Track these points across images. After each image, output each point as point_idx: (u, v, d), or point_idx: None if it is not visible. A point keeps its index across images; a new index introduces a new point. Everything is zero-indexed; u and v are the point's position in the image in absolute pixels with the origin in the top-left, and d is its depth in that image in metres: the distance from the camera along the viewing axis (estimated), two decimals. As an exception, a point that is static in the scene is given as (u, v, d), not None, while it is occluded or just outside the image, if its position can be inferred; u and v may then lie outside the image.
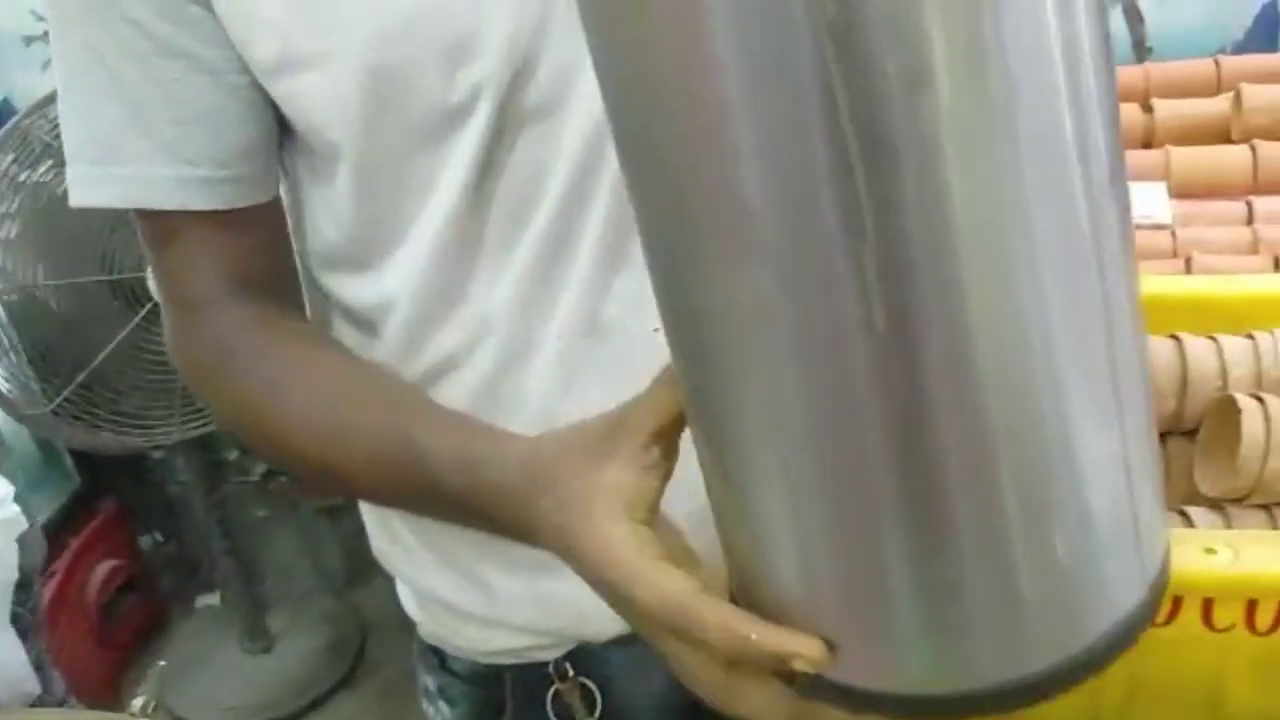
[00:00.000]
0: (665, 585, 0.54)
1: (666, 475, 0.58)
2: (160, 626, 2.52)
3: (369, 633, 2.57)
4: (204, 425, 1.98)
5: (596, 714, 0.92)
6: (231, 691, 2.00)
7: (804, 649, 0.48)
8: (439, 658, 0.96)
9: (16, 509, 1.16)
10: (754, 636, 0.50)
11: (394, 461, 0.68)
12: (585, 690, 0.91)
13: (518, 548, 0.74)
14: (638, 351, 0.72)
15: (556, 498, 0.60)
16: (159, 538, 2.61)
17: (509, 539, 0.66)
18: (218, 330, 0.76)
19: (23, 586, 1.35)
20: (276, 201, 0.78)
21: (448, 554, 0.85)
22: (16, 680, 1.14)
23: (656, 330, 0.50)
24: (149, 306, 1.79)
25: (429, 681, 0.99)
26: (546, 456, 0.62)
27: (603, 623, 0.86)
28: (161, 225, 0.76)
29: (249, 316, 0.76)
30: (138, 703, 2.17)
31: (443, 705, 0.98)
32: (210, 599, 2.52)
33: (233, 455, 2.39)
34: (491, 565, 0.85)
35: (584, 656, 0.90)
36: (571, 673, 0.90)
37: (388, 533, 0.91)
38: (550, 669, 0.90)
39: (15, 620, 1.15)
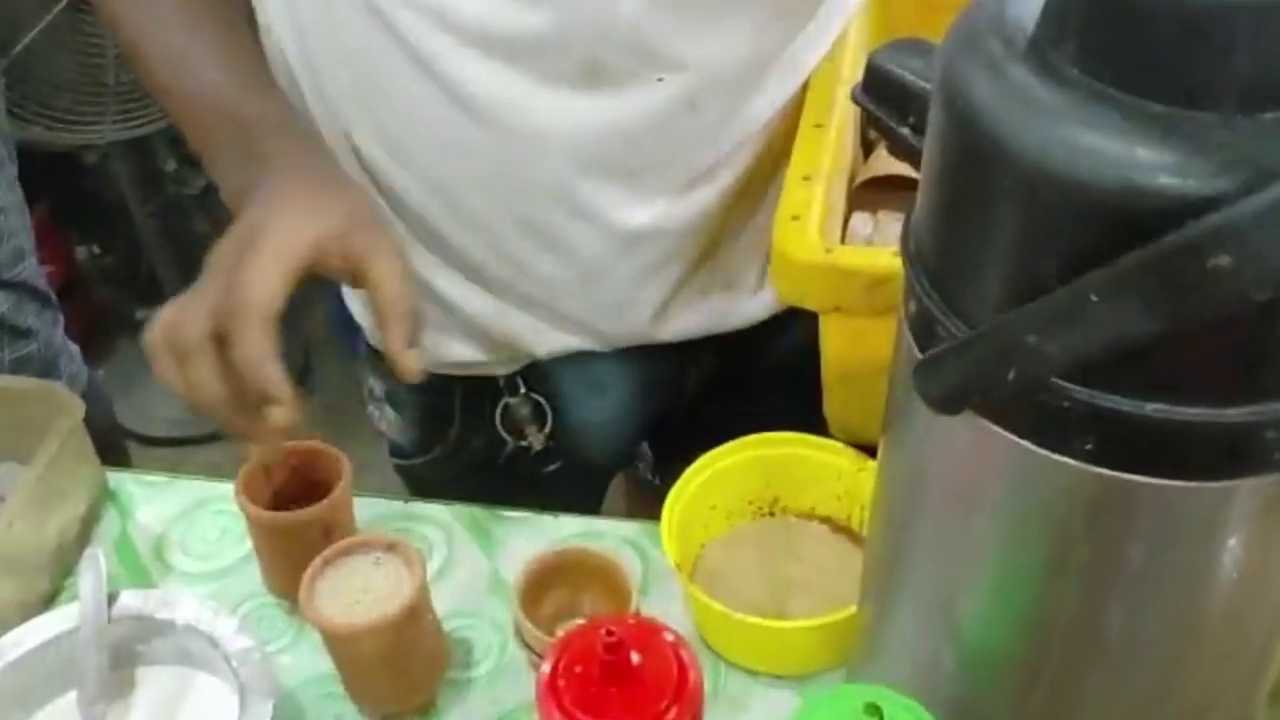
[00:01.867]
0: (278, 279, 0.63)
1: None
2: (98, 338, 2.49)
3: (310, 354, 2.56)
4: (139, 126, 1.90)
5: (545, 431, 0.92)
6: (170, 405, 1.99)
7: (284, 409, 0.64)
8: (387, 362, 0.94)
9: None
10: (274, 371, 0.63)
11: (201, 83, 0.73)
12: (536, 406, 0.91)
13: (477, 262, 0.80)
14: None
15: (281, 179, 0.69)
16: (96, 250, 2.54)
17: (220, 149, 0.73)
18: None
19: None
20: None
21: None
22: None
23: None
24: (77, -9, 1.67)
25: (375, 385, 0.98)
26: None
27: (556, 341, 0.86)
28: None
29: None
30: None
31: (389, 409, 0.98)
32: (149, 313, 2.47)
33: (171, 166, 2.31)
34: (446, 277, 0.83)
35: (535, 373, 0.89)
36: (523, 389, 0.89)
37: None
38: (501, 383, 0.90)
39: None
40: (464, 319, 0.85)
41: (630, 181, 0.77)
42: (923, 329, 0.41)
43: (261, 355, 0.63)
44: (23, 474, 0.77)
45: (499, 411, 0.91)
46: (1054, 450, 0.39)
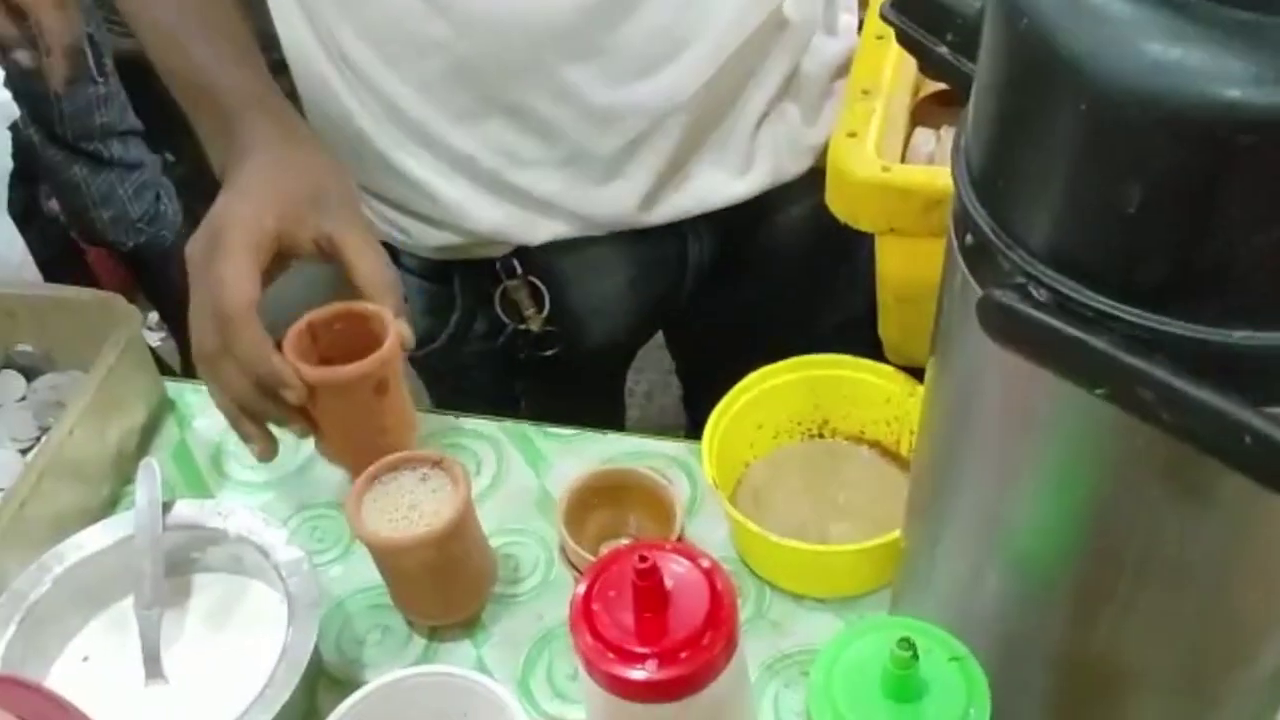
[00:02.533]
0: (247, 277, 0.66)
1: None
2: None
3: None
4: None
5: (544, 313, 0.92)
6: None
7: (293, 390, 0.67)
8: (390, 251, 0.95)
9: (7, 95, 1.11)
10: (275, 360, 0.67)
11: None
12: (533, 289, 0.91)
13: (468, 156, 0.82)
14: None
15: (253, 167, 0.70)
16: (169, 157, 2.58)
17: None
18: None
19: (25, 179, 1.35)
20: None
21: (396, 162, 0.84)
22: (16, 268, 1.13)
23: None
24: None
25: None
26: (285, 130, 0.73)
27: (546, 229, 0.86)
28: None
29: None
30: (153, 317, 2.21)
31: None
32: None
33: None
34: (439, 174, 0.84)
35: (531, 256, 0.89)
36: (520, 270, 0.90)
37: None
38: (497, 266, 0.90)
39: (10, 207, 1.13)
40: (455, 214, 0.86)
41: (602, 60, 0.78)
42: (981, 259, 0.39)
43: (254, 351, 0.67)
44: (82, 383, 0.79)
45: (498, 295, 0.92)
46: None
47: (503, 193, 0.84)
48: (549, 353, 0.95)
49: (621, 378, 1.14)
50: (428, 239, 0.89)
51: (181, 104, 0.77)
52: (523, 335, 0.94)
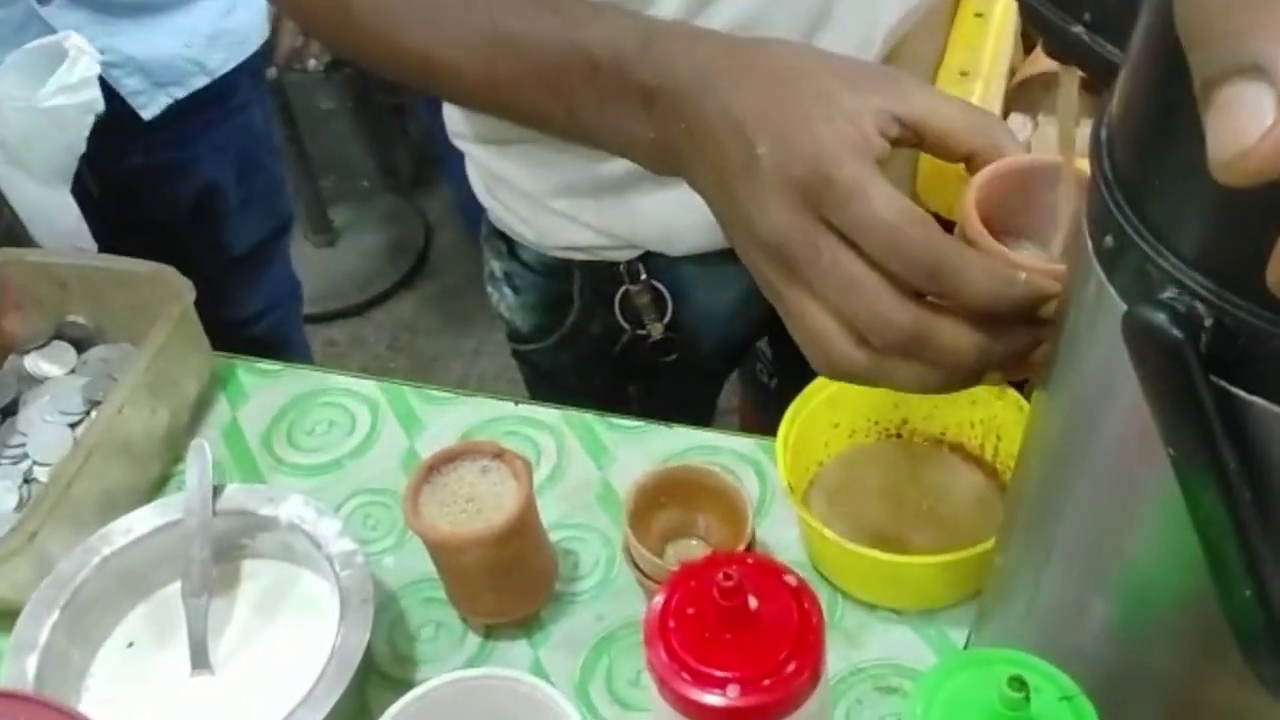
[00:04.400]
0: (924, 220, 0.47)
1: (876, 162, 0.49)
2: (224, 212, 2.53)
3: (432, 235, 2.56)
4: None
5: (665, 321, 0.89)
6: (295, 280, 2.03)
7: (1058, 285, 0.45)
8: (507, 244, 0.92)
9: (96, 93, 1.09)
10: (1023, 276, 0.47)
11: (520, 37, 0.58)
12: (656, 295, 0.87)
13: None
14: None
15: (777, 77, 0.51)
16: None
17: (624, 132, 0.57)
18: None
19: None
20: None
21: (528, 141, 0.78)
22: (72, 235, 1.11)
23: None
24: None
25: (496, 266, 0.96)
26: (766, 42, 0.54)
27: (683, 240, 0.81)
28: None
29: None
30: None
31: (508, 291, 0.96)
32: (270, 189, 2.50)
33: (298, 42, 2.29)
34: (572, 159, 0.78)
35: (657, 261, 0.86)
36: (644, 275, 0.86)
37: (465, 112, 0.84)
38: (621, 269, 0.86)
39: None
40: (585, 199, 0.82)
41: None
42: (1125, 265, 0.35)
43: (992, 273, 0.48)
44: (133, 357, 0.77)
45: (618, 298, 0.88)
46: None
47: (647, 200, 0.79)
48: (667, 359, 0.91)
49: (724, 378, 1.11)
50: (559, 237, 0.84)
51: (530, 116, 0.62)
52: (640, 340, 0.90)
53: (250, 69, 1.37)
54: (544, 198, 0.84)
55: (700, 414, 1.09)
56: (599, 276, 0.88)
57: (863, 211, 0.46)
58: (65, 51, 1.03)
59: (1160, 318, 0.33)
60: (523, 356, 1.01)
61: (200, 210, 1.39)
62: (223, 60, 1.31)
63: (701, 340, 0.92)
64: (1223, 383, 0.34)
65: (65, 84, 1.03)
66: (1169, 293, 0.34)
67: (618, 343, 0.92)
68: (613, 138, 0.58)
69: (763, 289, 0.53)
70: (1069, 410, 0.43)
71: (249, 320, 1.53)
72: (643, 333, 0.90)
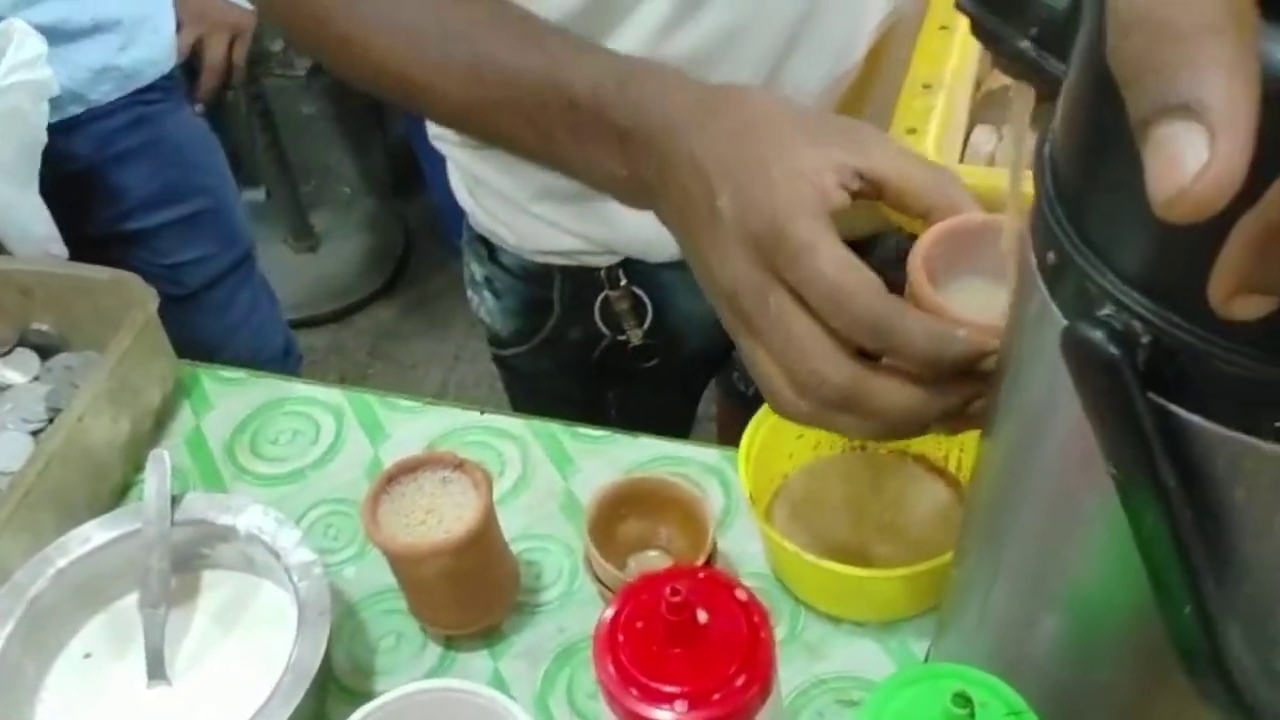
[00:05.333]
0: (868, 280, 0.48)
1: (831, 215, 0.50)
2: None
3: (412, 242, 2.55)
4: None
5: (644, 327, 0.89)
6: (275, 287, 2.01)
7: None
8: (488, 248, 0.92)
9: (49, 71, 1.09)
10: (962, 334, 0.48)
11: (502, 68, 0.58)
12: (635, 301, 0.88)
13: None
14: None
15: (742, 128, 0.52)
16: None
17: (599, 168, 0.58)
18: None
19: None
20: None
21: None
22: (43, 240, 1.10)
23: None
24: None
25: (476, 271, 0.96)
26: (738, 92, 0.55)
27: (662, 246, 0.82)
28: None
29: None
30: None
31: (488, 295, 0.96)
32: (255, 194, 2.49)
33: (278, 47, 2.28)
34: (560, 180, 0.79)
35: (637, 267, 0.86)
36: (624, 281, 0.86)
37: None
38: (601, 275, 0.86)
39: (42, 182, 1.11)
40: (565, 205, 0.81)
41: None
42: (1066, 283, 0.35)
43: (932, 330, 0.48)
44: (96, 364, 0.76)
45: (598, 303, 0.88)
46: (1235, 428, 0.33)
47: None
48: (646, 365, 0.91)
49: (704, 385, 1.11)
50: (539, 242, 0.84)
51: (506, 141, 0.62)
52: (620, 346, 0.90)
53: (163, 89, 1.37)
54: (525, 202, 0.84)
55: (679, 421, 1.09)
56: (579, 281, 0.88)
57: (811, 269, 0.48)
58: (9, 35, 1.03)
59: (1098, 335, 0.33)
60: (503, 361, 1.01)
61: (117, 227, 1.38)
62: (105, 93, 1.32)
63: (680, 346, 0.92)
64: (1161, 400, 0.34)
65: (18, 62, 1.02)
66: (1107, 310, 0.34)
67: (597, 348, 0.92)
68: (587, 171, 0.58)
69: (724, 326, 0.54)
70: (1016, 426, 0.43)
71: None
72: (622, 338, 0.90)
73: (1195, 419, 0.33)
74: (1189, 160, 0.24)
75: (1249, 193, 0.25)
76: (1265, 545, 0.36)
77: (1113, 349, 0.33)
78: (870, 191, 0.53)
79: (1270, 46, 0.27)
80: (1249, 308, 0.27)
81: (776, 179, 0.49)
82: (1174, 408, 0.34)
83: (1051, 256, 0.36)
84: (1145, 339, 0.33)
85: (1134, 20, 0.25)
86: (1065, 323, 0.34)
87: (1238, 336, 0.31)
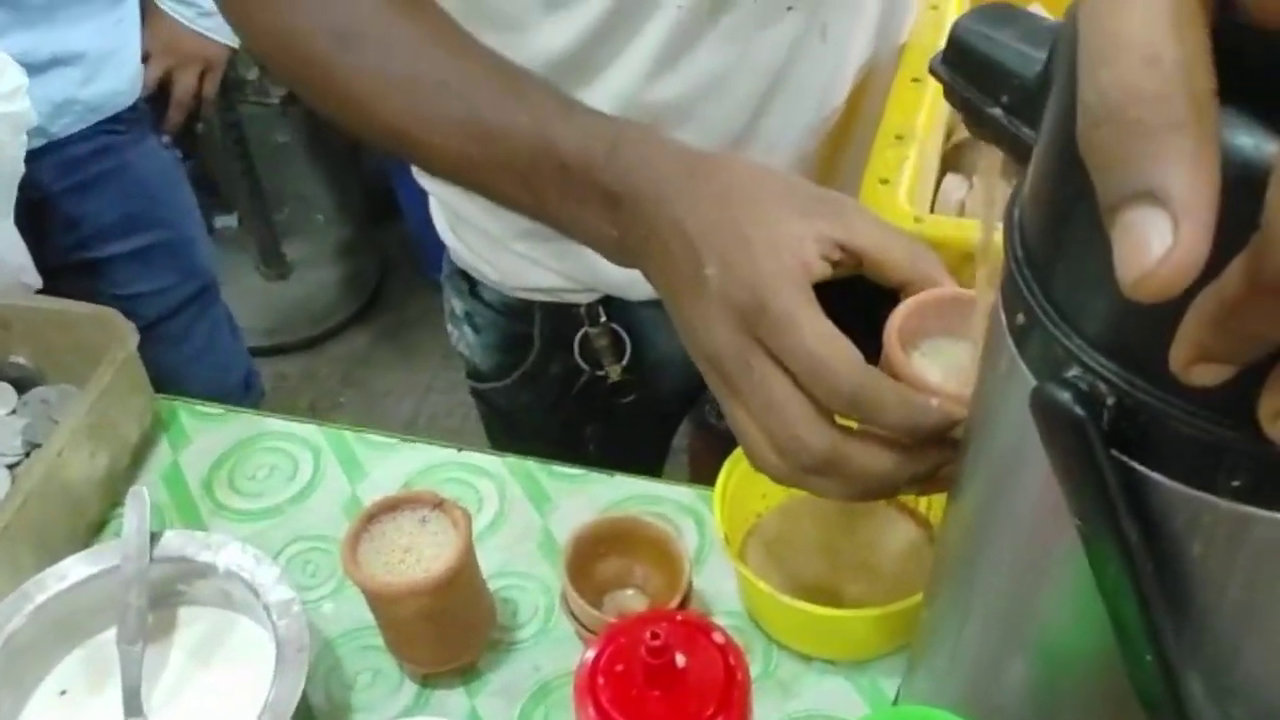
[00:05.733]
0: (847, 352, 0.50)
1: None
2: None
3: (386, 270, 2.56)
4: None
5: (623, 363, 0.90)
6: (247, 314, 2.00)
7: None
8: (469, 283, 0.93)
9: (27, 104, 1.09)
10: (935, 403, 0.51)
11: (494, 127, 0.60)
12: (615, 338, 0.89)
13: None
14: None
15: (728, 196, 0.54)
16: (176, 155, 2.56)
17: (589, 228, 0.59)
18: None
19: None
20: None
21: None
22: (16, 270, 1.10)
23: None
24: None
25: (457, 305, 0.97)
26: (724, 160, 0.57)
27: (642, 285, 0.83)
28: None
29: None
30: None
31: (468, 330, 0.97)
32: (228, 220, 2.49)
33: (253, 75, 2.29)
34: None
35: (616, 304, 0.87)
36: (603, 318, 0.87)
37: None
38: (582, 312, 0.87)
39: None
40: (546, 243, 0.83)
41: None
42: (1034, 344, 0.36)
43: (907, 401, 0.51)
44: (75, 399, 0.76)
45: (578, 340, 0.90)
46: (1193, 486, 0.34)
47: None
48: (624, 401, 0.92)
49: (680, 420, 1.12)
50: (520, 279, 0.86)
51: (498, 198, 0.62)
52: (599, 381, 0.91)
53: (127, 120, 1.38)
54: (506, 240, 0.85)
55: (655, 454, 1.10)
56: (559, 318, 0.89)
57: (792, 341, 0.50)
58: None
59: (1065, 396, 0.35)
60: (481, 395, 1.02)
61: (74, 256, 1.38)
62: (66, 125, 1.33)
63: (659, 383, 0.93)
64: (1125, 458, 0.35)
65: (-1, 93, 1.03)
66: (1074, 371, 0.35)
67: (576, 383, 0.93)
68: (578, 230, 0.60)
69: (709, 386, 0.56)
70: (986, 477, 0.44)
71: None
72: (601, 374, 0.92)
73: (1156, 476, 0.35)
74: (1155, 244, 0.26)
75: (1209, 271, 0.27)
76: (1222, 598, 0.37)
77: (1079, 409, 0.34)
78: (850, 262, 0.55)
79: (1229, 134, 0.28)
80: (1207, 375, 0.29)
81: (760, 250, 0.51)
82: (1137, 465, 0.35)
83: (1020, 318, 0.38)
84: (1110, 400, 0.34)
85: (1106, 114, 0.27)
86: (1034, 382, 0.36)
87: (1197, 400, 0.33)
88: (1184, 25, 0.26)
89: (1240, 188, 0.27)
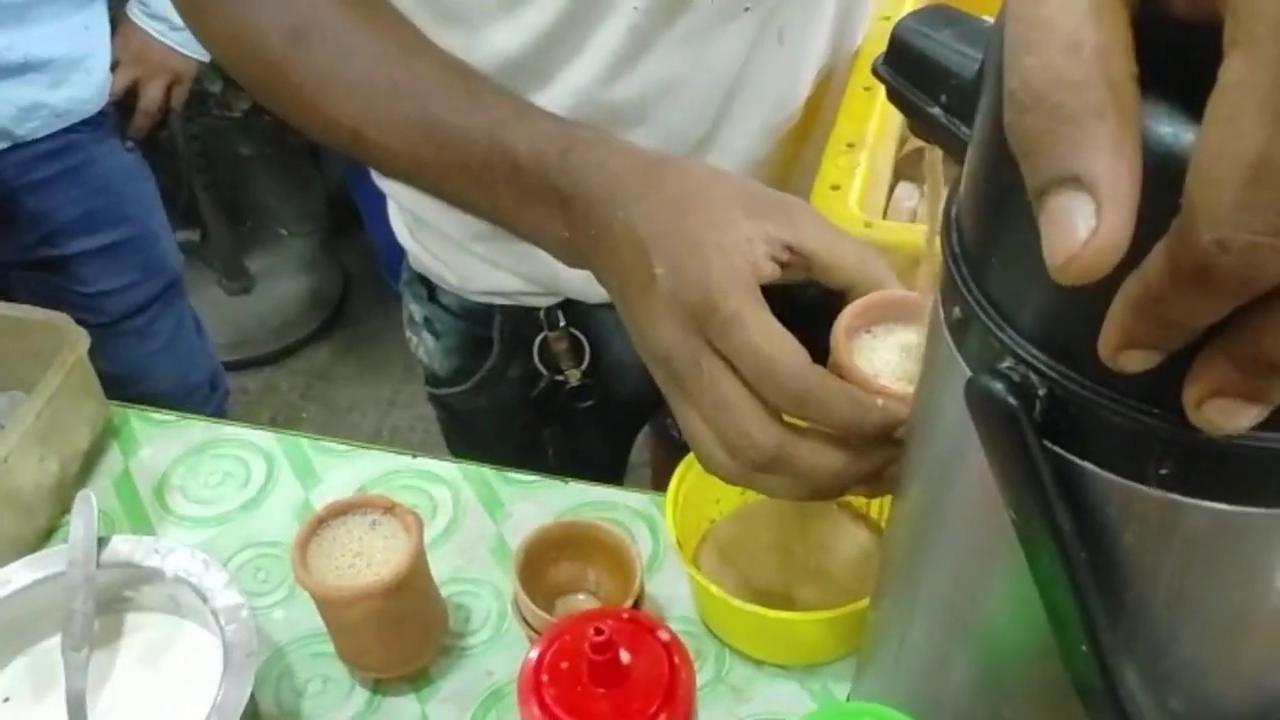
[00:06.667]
0: (794, 350, 0.51)
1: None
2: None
3: (349, 284, 2.55)
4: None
5: (582, 368, 0.90)
6: (209, 327, 1.99)
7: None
8: (428, 288, 0.93)
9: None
10: (881, 402, 0.51)
11: (449, 129, 0.60)
12: (574, 342, 0.89)
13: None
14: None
15: (679, 199, 0.55)
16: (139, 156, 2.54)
17: (541, 229, 0.60)
18: None
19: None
20: None
21: None
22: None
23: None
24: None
25: (416, 311, 0.97)
26: (676, 163, 0.58)
27: (599, 289, 0.83)
28: None
29: None
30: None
31: (427, 336, 0.97)
32: (190, 234, 2.47)
33: (217, 88, 2.28)
34: None
35: (575, 309, 0.87)
36: (562, 323, 0.87)
37: None
38: (540, 315, 0.88)
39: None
40: (505, 245, 0.83)
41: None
42: (970, 337, 0.37)
43: (855, 402, 0.52)
44: (24, 404, 0.75)
45: (537, 344, 0.90)
46: (1124, 475, 0.35)
47: None
48: (583, 405, 0.92)
49: (639, 428, 1.12)
50: (480, 282, 0.86)
51: (453, 199, 0.63)
52: (558, 386, 0.91)
53: (92, 124, 1.38)
54: (466, 241, 0.85)
55: (614, 461, 1.10)
56: (518, 322, 0.90)
57: (741, 340, 0.50)
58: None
59: (998, 386, 0.35)
60: (440, 401, 1.02)
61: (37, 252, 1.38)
62: (32, 130, 1.33)
63: (617, 387, 0.93)
64: (1057, 449, 0.35)
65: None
66: (1007, 363, 0.35)
67: (535, 388, 0.93)
68: (530, 232, 0.60)
69: (659, 386, 0.56)
70: (927, 473, 0.45)
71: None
72: (560, 378, 0.92)
73: (1088, 466, 0.35)
74: (1079, 227, 0.26)
75: (1133, 258, 0.27)
76: (1154, 586, 0.38)
77: (1011, 400, 0.35)
78: (799, 264, 0.55)
79: (1151, 123, 0.29)
80: (1134, 361, 0.29)
81: (710, 252, 0.52)
82: (1069, 455, 0.36)
83: (957, 311, 0.38)
84: (1042, 391, 0.35)
85: (1030, 101, 0.27)
86: (970, 374, 0.36)
87: (1125, 389, 0.33)
88: (1104, 12, 0.27)
89: (1161, 176, 0.28)
